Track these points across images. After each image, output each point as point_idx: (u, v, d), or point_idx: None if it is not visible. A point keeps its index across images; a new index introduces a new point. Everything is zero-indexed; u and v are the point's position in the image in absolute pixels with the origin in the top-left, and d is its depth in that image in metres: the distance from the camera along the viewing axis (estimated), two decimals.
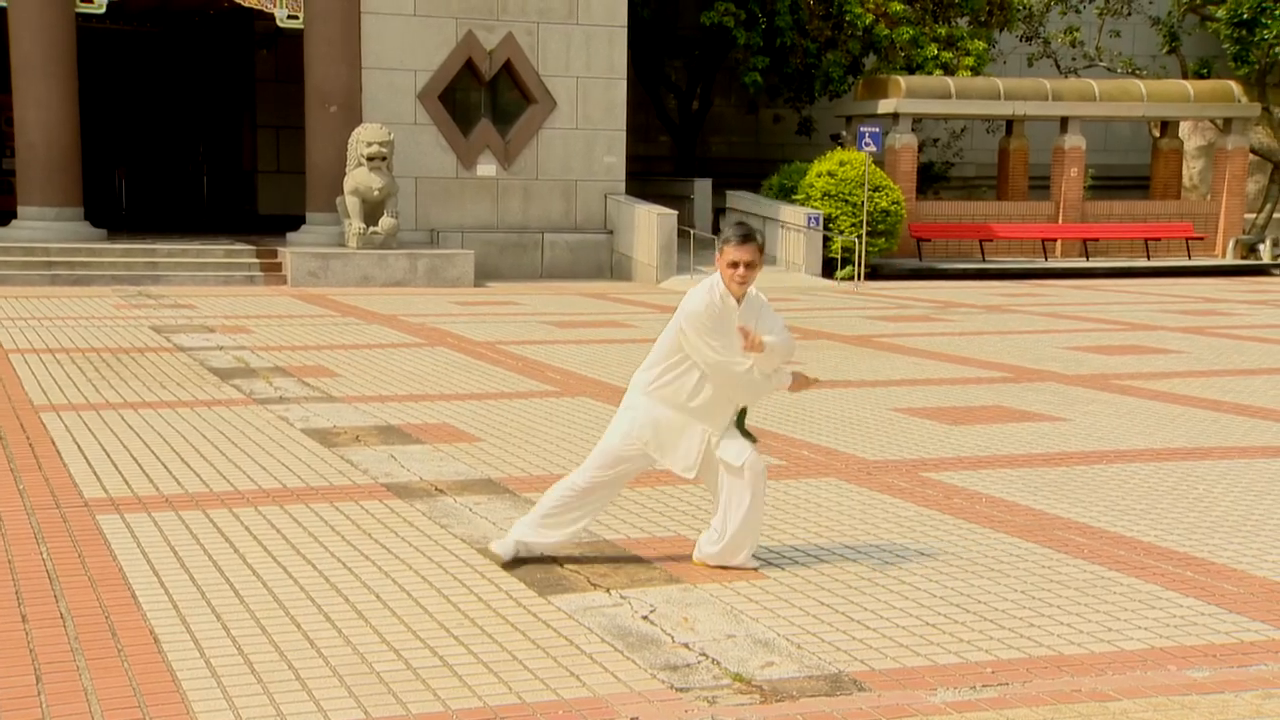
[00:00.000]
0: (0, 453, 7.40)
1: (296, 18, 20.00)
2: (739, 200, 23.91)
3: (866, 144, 21.66)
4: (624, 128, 22.27)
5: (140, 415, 8.64)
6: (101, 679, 4.14)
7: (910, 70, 25.82)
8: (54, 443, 7.72)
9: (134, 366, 10.76)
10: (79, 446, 7.62)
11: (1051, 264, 25.12)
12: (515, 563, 5.49)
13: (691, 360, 5.35)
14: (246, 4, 20.06)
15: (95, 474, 6.95)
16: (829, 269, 22.39)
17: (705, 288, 5.36)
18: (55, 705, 3.94)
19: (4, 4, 18.69)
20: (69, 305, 15.33)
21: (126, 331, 13.02)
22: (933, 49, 25.86)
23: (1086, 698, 4.18)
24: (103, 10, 19.30)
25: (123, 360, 11.08)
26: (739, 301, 5.36)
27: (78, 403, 9.06)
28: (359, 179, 19.05)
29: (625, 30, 22.06)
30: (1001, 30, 28.36)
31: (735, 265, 5.28)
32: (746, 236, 5.30)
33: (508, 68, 21.38)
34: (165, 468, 7.15)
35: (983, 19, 27.41)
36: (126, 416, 8.58)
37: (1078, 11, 28.99)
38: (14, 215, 19.37)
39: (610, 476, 5.52)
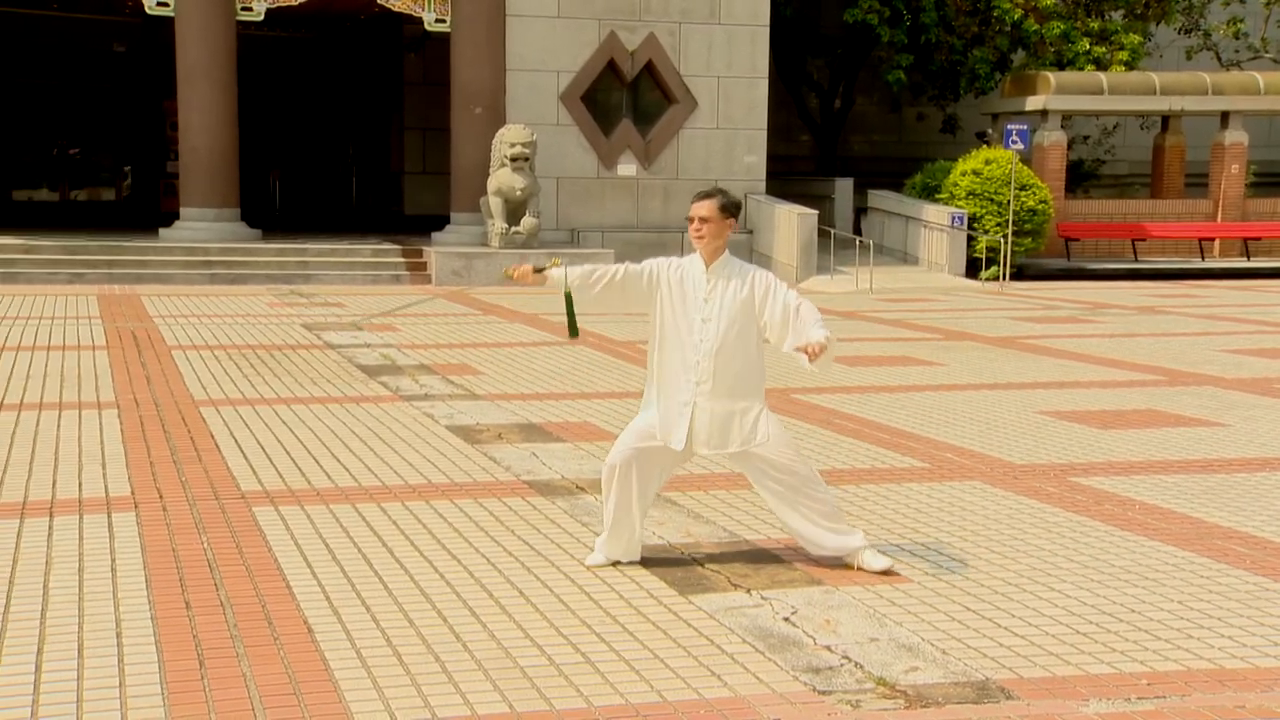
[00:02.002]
0: (164, 445, 7.70)
1: (444, 21, 20.39)
2: (881, 200, 23.62)
3: (1014, 142, 21.18)
4: (765, 127, 22.18)
5: (293, 410, 8.90)
6: (260, 666, 4.28)
7: (1060, 66, 25.19)
8: (213, 436, 8.00)
9: (286, 363, 11.09)
10: (236, 440, 7.88)
11: (1209, 264, 24.24)
12: (655, 562, 5.51)
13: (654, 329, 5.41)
14: (396, 9, 20.53)
15: (251, 467, 7.19)
16: (973, 269, 21.98)
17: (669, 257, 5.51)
18: (217, 690, 4.08)
19: (171, 13, 19.45)
20: (226, 303, 15.87)
21: (279, 329, 13.43)
22: (1085, 44, 25.18)
23: (1252, 714, 4.02)
24: (261, 18, 19.96)
25: (276, 357, 11.44)
26: (707, 264, 5.35)
27: (234, 398, 9.38)
28: (502, 179, 19.33)
29: (767, 29, 21.97)
30: (1158, 23, 27.46)
31: (690, 220, 5.36)
32: (709, 194, 5.36)
33: (649, 68, 21.47)
34: (316, 462, 7.35)
35: (1138, 11, 26.60)
36: (280, 411, 8.85)
37: (1242, 1, 27.90)
38: (176, 216, 20.14)
39: (636, 453, 5.38)
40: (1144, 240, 24.42)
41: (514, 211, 19.58)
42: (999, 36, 25.43)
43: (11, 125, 28.69)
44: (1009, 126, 21.51)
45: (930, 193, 22.86)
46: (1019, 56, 26.38)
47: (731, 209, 5.32)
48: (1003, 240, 21.47)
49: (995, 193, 21.95)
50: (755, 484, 5.49)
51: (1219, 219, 24.81)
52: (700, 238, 5.32)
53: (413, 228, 23.17)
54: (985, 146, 23.66)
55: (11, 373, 10.20)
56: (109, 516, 6.10)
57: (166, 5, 19.43)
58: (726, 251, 5.38)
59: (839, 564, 5.49)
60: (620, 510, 5.39)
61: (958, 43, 25.45)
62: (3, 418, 8.42)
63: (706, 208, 5.30)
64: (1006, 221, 21.60)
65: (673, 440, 5.33)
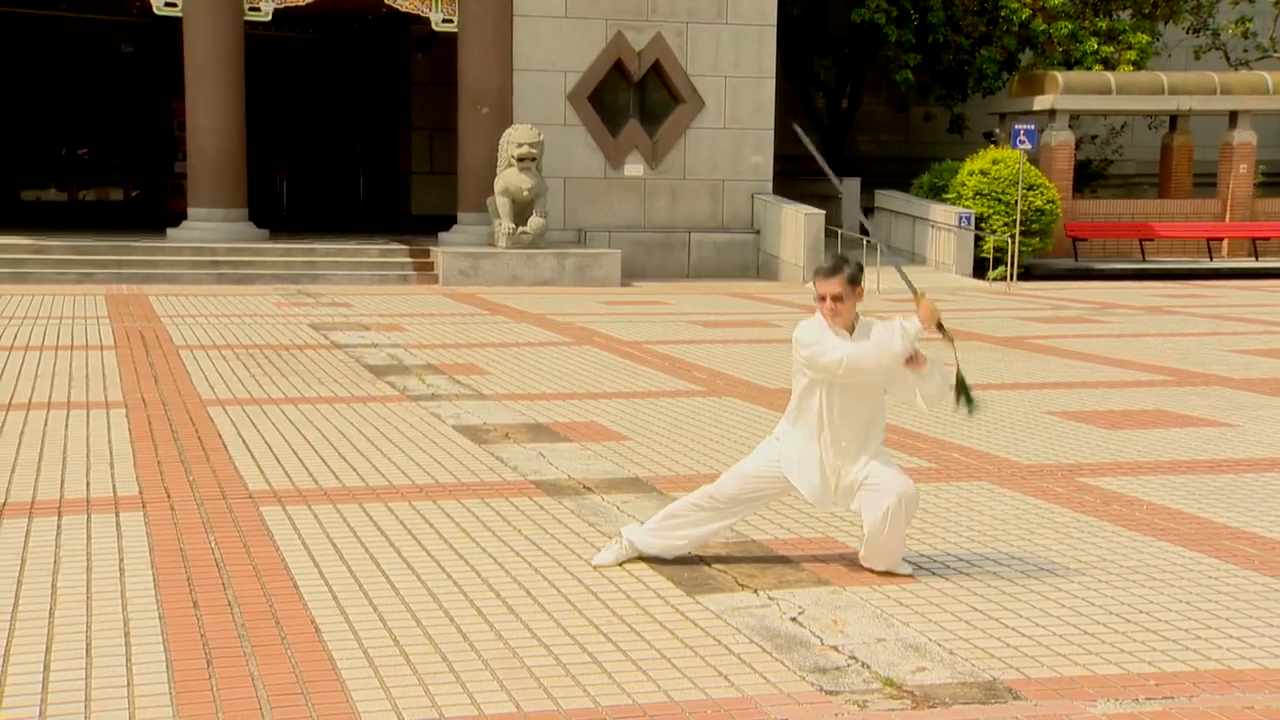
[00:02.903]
0: (172, 445, 7.72)
1: (451, 21, 20.40)
2: (888, 200, 23.60)
3: (1021, 141, 21.16)
4: (772, 127, 22.16)
5: (300, 410, 8.91)
6: (267, 666, 4.28)
7: (1068, 66, 25.14)
8: (220, 435, 8.01)
9: (294, 363, 11.11)
10: (243, 440, 7.89)
11: (1217, 264, 24.19)
12: (662, 562, 5.51)
13: (817, 381, 5.25)
14: (403, 9, 20.55)
15: (259, 467, 7.20)
16: (980, 269, 21.95)
17: (812, 323, 5.30)
18: (225, 689, 4.09)
19: (179, 14, 19.49)
20: (233, 303, 15.90)
21: (287, 329, 13.45)
22: (1093, 43, 25.13)
23: (1261, 714, 4.01)
24: (269, 18, 19.99)
25: (283, 357, 11.45)
26: (850, 332, 5.24)
27: (242, 397, 9.39)
28: (509, 179, 19.34)
29: (774, 29, 21.96)
30: (1166, 23, 27.40)
31: (823, 299, 5.19)
32: (835, 269, 5.16)
33: (656, 68, 21.47)
34: (324, 462, 7.36)
35: (1146, 11, 26.53)
36: (287, 411, 8.87)
37: (1250, 1, 27.83)
38: (184, 216, 20.18)
39: (743, 493, 5.42)
40: (1152, 240, 24.38)
41: (521, 211, 19.58)
42: (1007, 36, 25.39)
43: (20, 125, 28.74)
44: (1016, 126, 21.48)
45: (938, 192, 22.83)
46: (1026, 56, 26.34)
47: (859, 278, 5.18)
48: (1010, 240, 21.44)
49: (1003, 193, 21.92)
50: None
51: (1227, 219, 24.75)
52: (836, 315, 5.18)
53: (420, 228, 23.19)
54: (993, 146, 23.63)
55: (20, 372, 10.23)
56: (117, 516, 6.11)
57: (174, 6, 19.47)
58: (859, 315, 5.27)
59: (847, 564, 5.50)
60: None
61: (965, 42, 25.41)
62: (11, 417, 8.44)
63: (836, 285, 5.14)
64: (1014, 221, 21.57)
65: (803, 486, 5.31)
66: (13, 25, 25.81)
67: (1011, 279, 21.34)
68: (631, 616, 4.86)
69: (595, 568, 5.45)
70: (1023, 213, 21.64)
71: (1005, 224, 21.76)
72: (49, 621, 4.67)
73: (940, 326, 5.29)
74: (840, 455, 5.29)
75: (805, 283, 20.58)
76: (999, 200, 21.95)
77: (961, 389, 5.44)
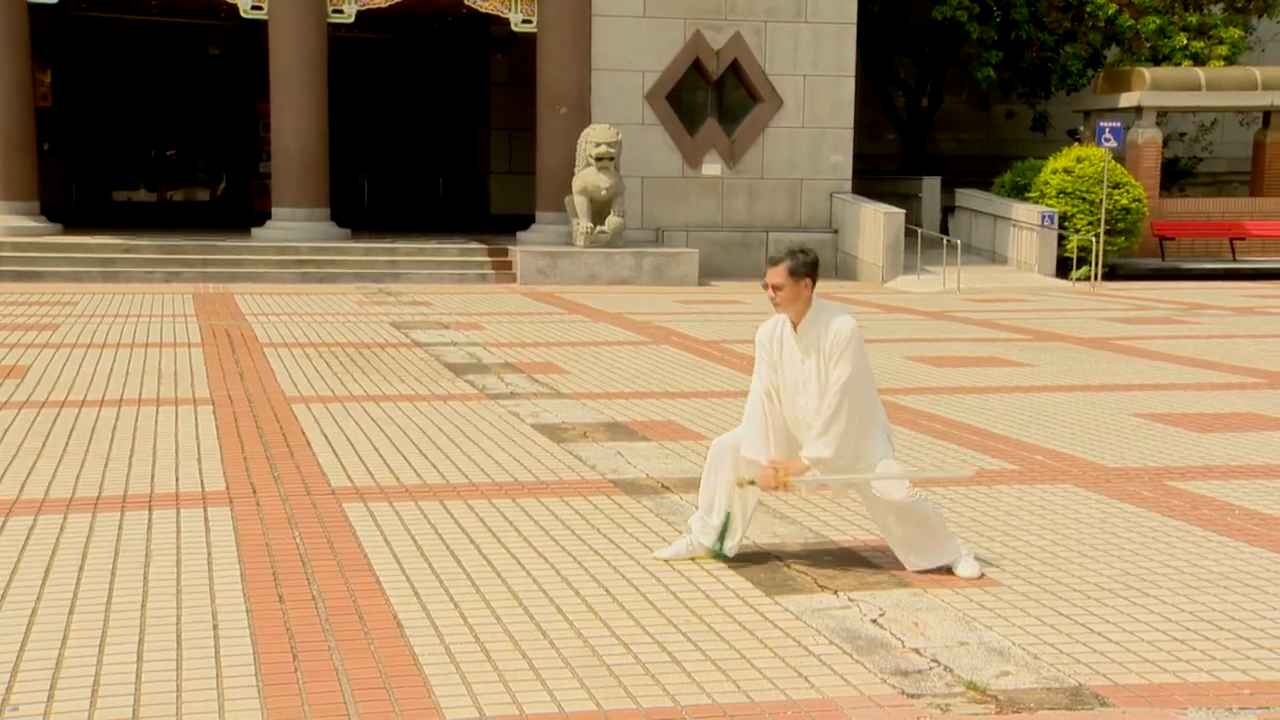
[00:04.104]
0: (258, 441, 7.85)
1: (530, 22, 20.53)
2: (968, 199, 23.32)
3: (1106, 139, 20.79)
4: (851, 126, 22.02)
5: (381, 408, 9.02)
6: (351, 660, 4.34)
7: (1156, 62, 24.67)
8: (304, 432, 8.13)
9: (375, 361, 11.24)
10: (326, 437, 8.00)
11: None
12: (741, 562, 5.49)
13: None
14: (483, 10, 20.71)
15: (341, 464, 7.29)
16: (1063, 269, 21.62)
17: (769, 323, 5.33)
18: (311, 683, 4.14)
19: (264, 16, 19.81)
20: (316, 301, 16.13)
21: (368, 327, 13.62)
22: (1182, 38, 24.62)
23: None
24: (352, 20, 20.26)
25: (365, 355, 11.59)
26: (795, 327, 5.24)
27: (324, 394, 9.52)
28: (587, 179, 19.40)
29: (854, 27, 21.81)
30: (1260, 16, 26.76)
31: (766, 286, 5.22)
32: (778, 259, 5.17)
33: (735, 67, 21.42)
34: (405, 459, 7.44)
35: (1239, 5, 25.93)
36: (369, 409, 8.97)
37: None
38: (268, 216, 20.51)
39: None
40: (1242, 239, 23.83)
41: (599, 211, 19.64)
42: (1092, 32, 24.97)
43: (112, 128, 29.41)
44: (1101, 124, 21.11)
45: (1020, 191, 22.52)
46: (1113, 52, 25.88)
47: (803, 270, 5.14)
48: (1094, 239, 21.09)
49: (1087, 191, 21.57)
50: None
51: None
52: (778, 305, 5.22)
53: (498, 227, 23.35)
54: (1077, 144, 23.25)
55: (112, 370, 10.46)
56: (205, 511, 6.23)
57: (260, 8, 19.80)
58: (813, 306, 5.23)
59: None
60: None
61: (1049, 39, 25.03)
62: (104, 413, 8.63)
63: (778, 275, 5.16)
64: (1098, 220, 21.21)
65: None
66: (106, 31, 26.42)
67: (1096, 279, 20.98)
68: (711, 616, 4.85)
69: (664, 560, 5.47)
70: (1108, 211, 21.27)
71: (1089, 223, 21.41)
72: (141, 613, 4.78)
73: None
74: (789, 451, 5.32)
75: (884, 283, 20.41)
76: (1083, 199, 21.60)
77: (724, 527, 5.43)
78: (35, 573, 5.23)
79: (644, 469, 7.28)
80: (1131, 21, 24.56)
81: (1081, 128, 25.01)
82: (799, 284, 5.16)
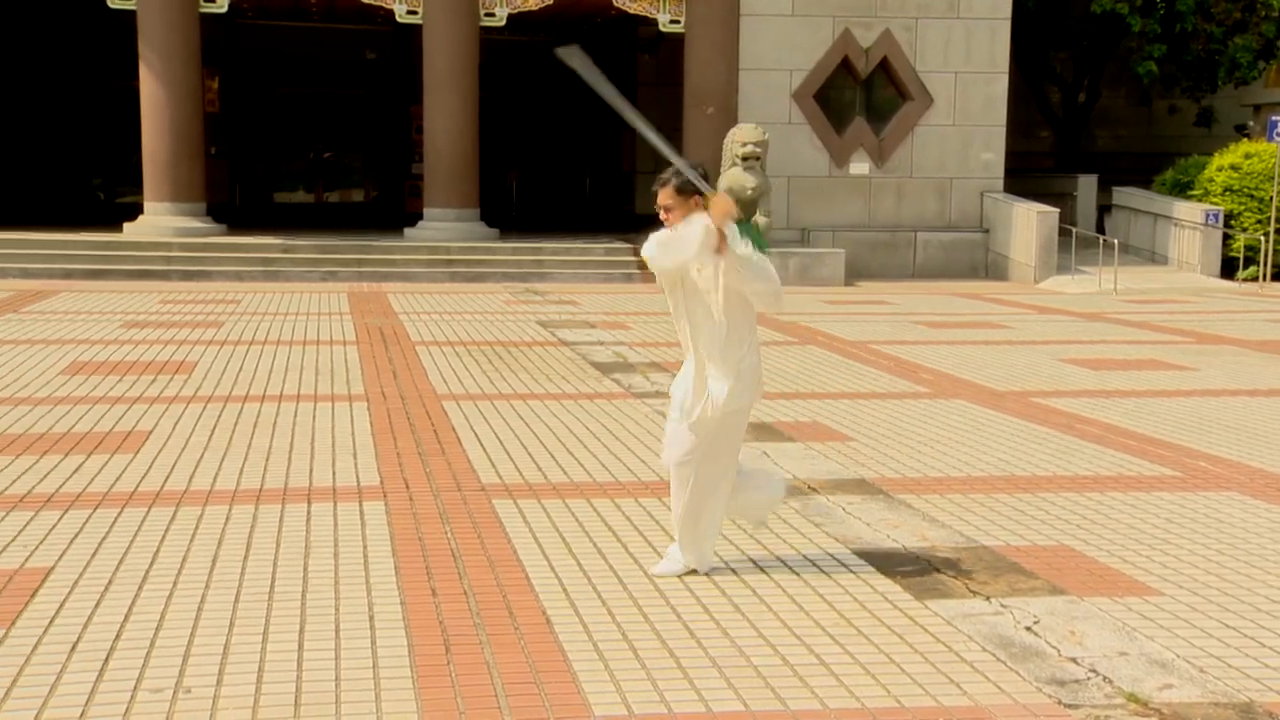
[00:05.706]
0: (410, 438, 8.03)
1: (678, 22, 20.59)
2: (1127, 197, 22.63)
3: (1278, 134, 19.96)
4: (1003, 123, 21.55)
5: (529, 406, 9.14)
6: (502, 654, 4.41)
7: None
8: (454, 429, 8.29)
9: (523, 359, 11.40)
10: (476, 434, 8.14)
11: None
12: (890, 566, 5.42)
13: (673, 303, 5.39)
14: (632, 11, 20.85)
15: (490, 460, 7.41)
16: (1228, 269, 20.81)
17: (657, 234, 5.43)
18: (463, 676, 4.23)
19: (419, 21, 20.26)
20: (465, 300, 16.43)
21: (515, 326, 13.81)
22: None
23: None
24: (503, 23, 20.60)
25: (513, 353, 11.77)
26: None
27: (474, 392, 9.69)
28: (733, 178, 19.36)
29: (1008, 22, 21.34)
30: None
31: (658, 210, 5.37)
32: (665, 180, 5.34)
33: (884, 65, 21.16)
34: (552, 456, 7.53)
35: None
36: (517, 407, 9.10)
37: None
38: (420, 217, 20.97)
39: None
40: None
41: (745, 210, 19.58)
42: (1264, 23, 23.98)
43: (274, 132, 30.42)
44: (1273, 118, 20.26)
45: (1182, 189, 21.76)
46: None
47: (686, 188, 5.30)
48: (1263, 239, 20.26)
49: (1256, 188, 20.74)
50: None
51: None
52: (670, 224, 5.36)
53: (643, 227, 23.35)
54: (1246, 140, 22.38)
55: (272, 366, 10.82)
56: (360, 505, 6.39)
57: (415, 13, 20.25)
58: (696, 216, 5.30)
59: (1085, 573, 5.29)
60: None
61: (1217, 30, 24.12)
62: (265, 409, 8.93)
63: (665, 195, 5.34)
64: (1268, 219, 20.37)
65: (673, 399, 5.45)
66: (270, 38, 27.34)
67: (1264, 279, 20.15)
68: (859, 619, 4.80)
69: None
70: (1278, 209, 20.41)
71: (1258, 222, 20.57)
72: (301, 603, 4.93)
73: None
74: (702, 373, 5.28)
75: (1037, 283, 19.92)
76: (1251, 196, 20.77)
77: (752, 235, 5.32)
78: (203, 562, 5.44)
79: (790, 470, 7.24)
80: None
81: (1251, 122, 24.07)
82: (688, 201, 5.33)
